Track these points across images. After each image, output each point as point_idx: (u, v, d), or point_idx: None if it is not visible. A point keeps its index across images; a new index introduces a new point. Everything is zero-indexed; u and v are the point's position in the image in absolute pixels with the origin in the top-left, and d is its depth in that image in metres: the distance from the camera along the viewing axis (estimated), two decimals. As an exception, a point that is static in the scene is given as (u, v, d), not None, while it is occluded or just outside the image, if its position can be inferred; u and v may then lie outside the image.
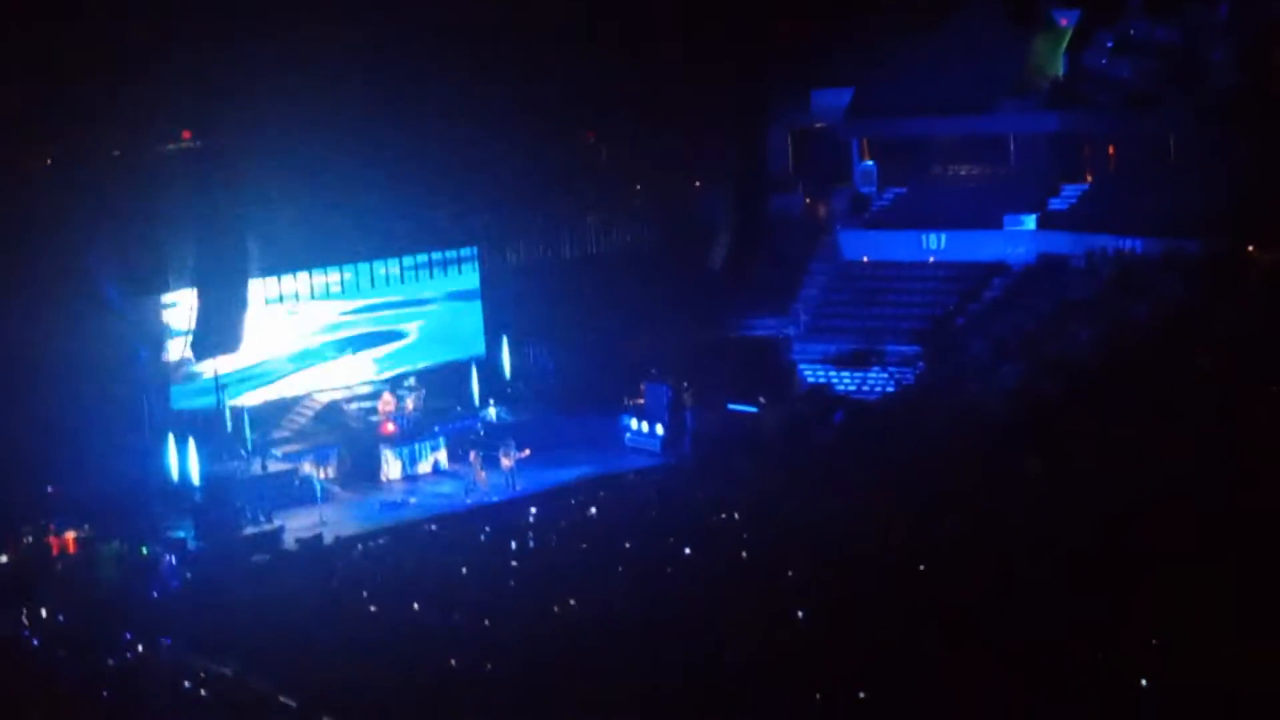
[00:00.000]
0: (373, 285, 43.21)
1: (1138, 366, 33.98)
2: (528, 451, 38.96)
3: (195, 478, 37.75)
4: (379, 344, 43.57)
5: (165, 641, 27.72)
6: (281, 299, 41.60)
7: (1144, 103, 44.51)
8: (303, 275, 41.89)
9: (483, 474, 38.52)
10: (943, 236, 46.45)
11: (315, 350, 42.56)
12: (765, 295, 47.28)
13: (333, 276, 42.45)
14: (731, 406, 41.82)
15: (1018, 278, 44.59)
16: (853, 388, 43.44)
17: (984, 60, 47.62)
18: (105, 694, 24.76)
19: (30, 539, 34.48)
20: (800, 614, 24.80)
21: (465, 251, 44.72)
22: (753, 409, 41.44)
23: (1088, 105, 46.21)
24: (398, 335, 43.85)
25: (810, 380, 44.42)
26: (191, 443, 38.11)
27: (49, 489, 36.24)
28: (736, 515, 32.35)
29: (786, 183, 51.58)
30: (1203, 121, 42.36)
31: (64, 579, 32.84)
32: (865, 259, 47.58)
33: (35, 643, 28.50)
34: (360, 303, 43.20)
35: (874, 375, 43.55)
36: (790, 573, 26.84)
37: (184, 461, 37.98)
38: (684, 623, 25.02)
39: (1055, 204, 46.26)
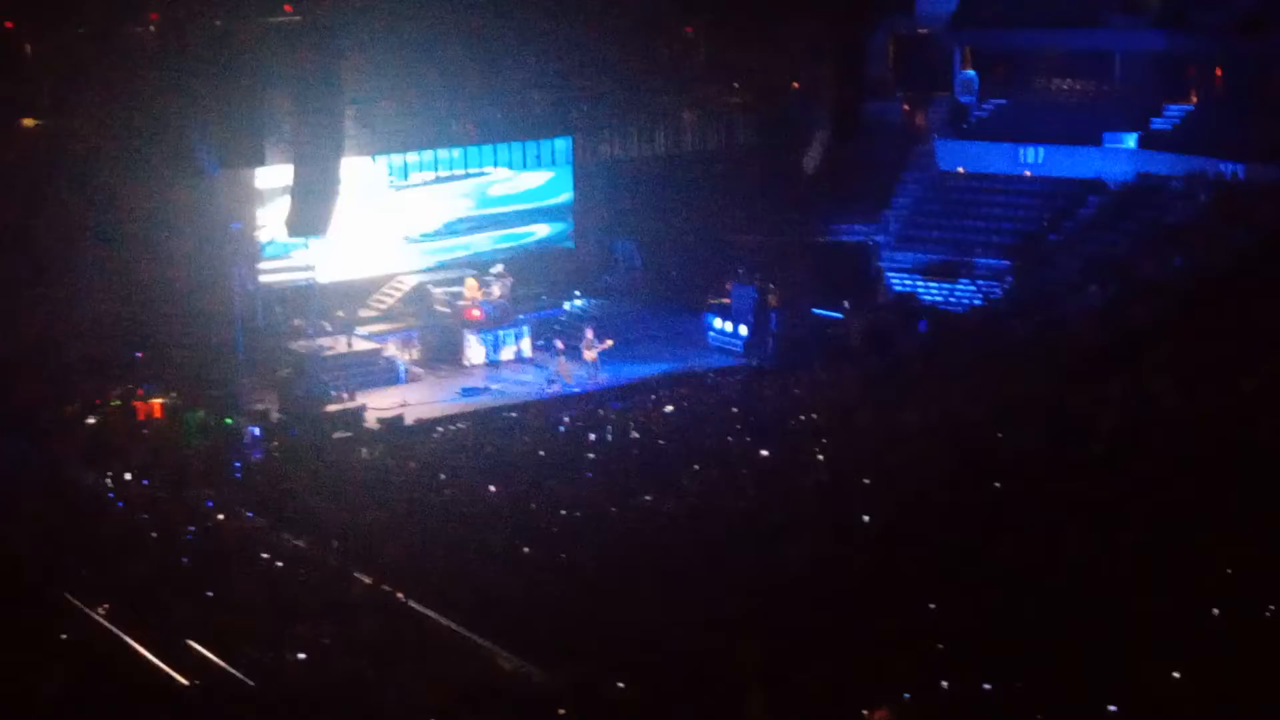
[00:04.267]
0: (466, 172, 43.15)
1: (1231, 293, 33.48)
2: (610, 342, 39.00)
3: (281, 352, 38.08)
4: (469, 229, 43.59)
5: (248, 515, 28.06)
6: (376, 179, 41.60)
7: (1255, 26, 43.53)
8: (397, 157, 41.89)
9: (566, 365, 38.61)
10: (1041, 151, 45.84)
11: (405, 232, 42.63)
12: (857, 201, 46.94)
13: (427, 160, 42.42)
14: (816, 311, 41.71)
15: (1114, 197, 43.97)
16: (939, 299, 43.22)
17: (1094, -27, 46.85)
18: (184, 560, 25.09)
19: (119, 402, 34.96)
20: (866, 519, 24.77)
21: (560, 142, 44.52)
22: (837, 314, 41.32)
23: (1197, 25, 45.28)
24: (488, 221, 43.84)
25: (897, 289, 44.25)
26: (279, 317, 38.39)
27: (138, 354, 36.67)
28: (815, 417, 32.25)
29: (885, 88, 50.97)
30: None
31: (150, 444, 33.29)
32: (960, 170, 47.09)
33: (119, 505, 28.94)
34: (453, 188, 43.18)
35: (961, 287, 43.30)
36: (866, 480, 26.74)
37: (271, 335, 38.29)
38: (755, 523, 25.05)
39: (1158, 124, 45.46)
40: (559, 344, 39.47)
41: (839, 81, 48.18)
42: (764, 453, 29.64)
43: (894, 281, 44.48)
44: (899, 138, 49.52)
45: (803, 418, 32.48)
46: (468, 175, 43.05)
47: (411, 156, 41.94)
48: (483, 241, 43.65)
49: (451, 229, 43.16)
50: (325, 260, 39.85)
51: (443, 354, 40.73)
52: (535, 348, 41.12)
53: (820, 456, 29.02)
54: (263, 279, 39.32)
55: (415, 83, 41.26)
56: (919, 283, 44.01)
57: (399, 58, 40.39)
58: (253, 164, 38.83)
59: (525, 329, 41.31)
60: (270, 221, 39.26)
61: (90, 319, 36.26)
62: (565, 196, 44.82)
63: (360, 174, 40.74)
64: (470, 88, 42.25)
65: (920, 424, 29.81)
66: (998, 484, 25.59)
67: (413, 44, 40.42)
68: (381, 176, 41.61)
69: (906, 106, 50.80)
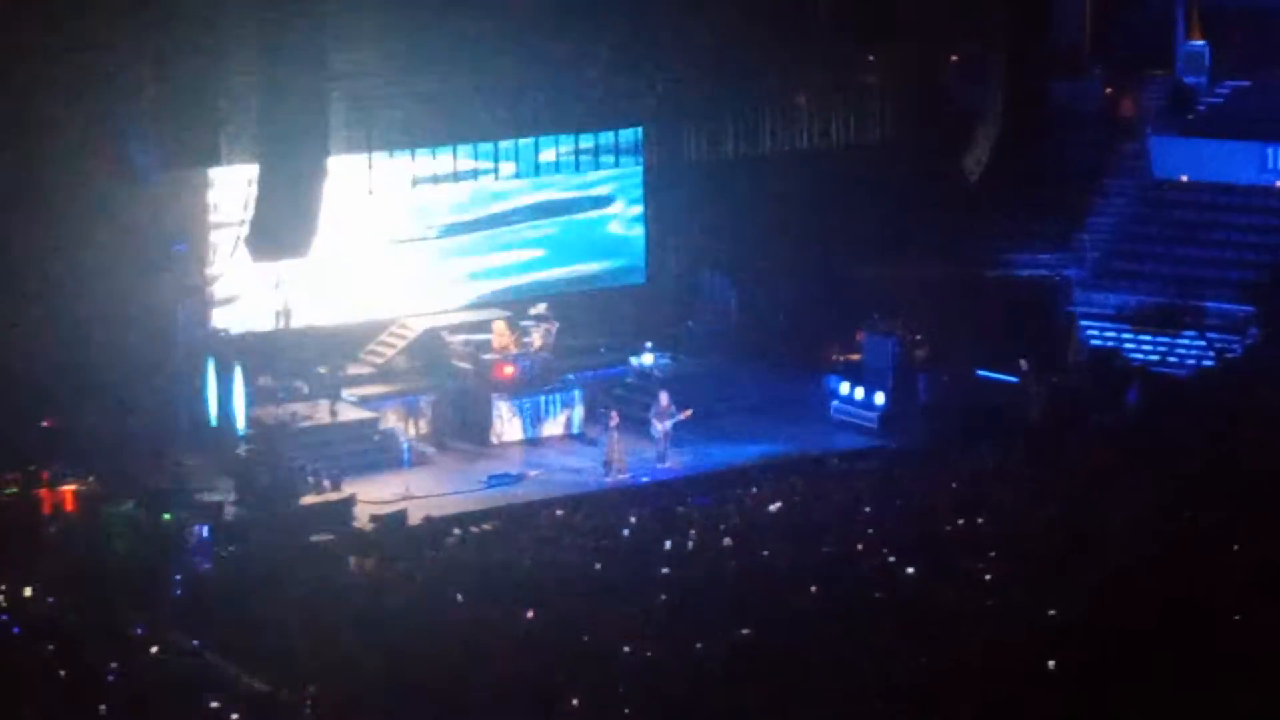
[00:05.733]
0: (497, 176, 43.32)
1: None
2: (689, 412, 38.95)
3: (240, 422, 38.27)
4: (500, 255, 43.77)
5: (194, 644, 28.11)
6: (371, 188, 41.75)
7: None
8: (402, 157, 42.04)
9: (622, 444, 38.41)
10: (1298, 153, 45.83)
11: (412, 259, 42.81)
12: (1038, 221, 47.06)
13: (443, 161, 42.56)
14: (981, 373, 41.64)
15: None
16: (1155, 357, 43.11)
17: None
18: (103, 708, 25.11)
19: (16, 490, 35.08)
20: (1053, 664, 24.62)
21: (626, 136, 44.62)
22: (1012, 378, 41.23)
23: None
24: (526, 245, 44.01)
25: (1095, 343, 44.16)
26: (238, 374, 38.61)
27: (43, 423, 36.85)
28: (980, 522, 32.20)
29: (1078, 64, 50.91)
30: None
31: (57, 547, 33.42)
32: (1184, 178, 47.01)
33: (15, 631, 29.01)
34: (479, 198, 43.37)
35: (1186, 341, 43.18)
36: (1052, 612, 26.60)
37: (227, 400, 38.49)
38: (895, 665, 24.95)
39: None
40: (613, 416, 39.30)
41: (1014, 54, 48.25)
42: (909, 570, 29.56)
43: (1092, 333, 44.44)
44: (1098, 133, 49.47)
45: (961, 522, 32.44)
46: (499, 180, 43.12)
47: (422, 156, 42.03)
48: (516, 273, 43.75)
49: (473, 255, 43.24)
50: (303, 295, 40.04)
51: (462, 428, 40.87)
52: (591, 420, 41.15)
53: (987, 577, 28.89)
54: (216, 321, 39.55)
55: (426, 59, 41.36)
56: (1126, 335, 43.92)
57: (404, 25, 40.51)
58: (205, 163, 39.19)
59: (577, 394, 41.38)
60: (226, 242, 39.49)
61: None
62: (633, 212, 44.89)
63: (352, 179, 40.86)
64: (501, 65, 42.31)
65: (1128, 531, 29.65)
66: (1238, 617, 25.43)
67: (422, 6, 40.53)
68: (381, 182, 41.71)
69: (1109, 89, 50.68)
